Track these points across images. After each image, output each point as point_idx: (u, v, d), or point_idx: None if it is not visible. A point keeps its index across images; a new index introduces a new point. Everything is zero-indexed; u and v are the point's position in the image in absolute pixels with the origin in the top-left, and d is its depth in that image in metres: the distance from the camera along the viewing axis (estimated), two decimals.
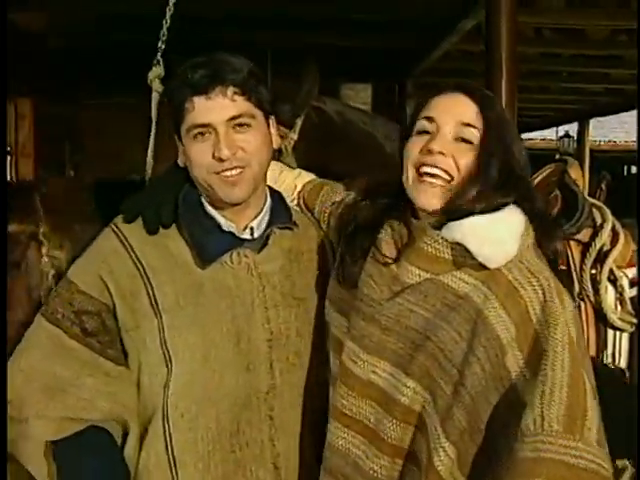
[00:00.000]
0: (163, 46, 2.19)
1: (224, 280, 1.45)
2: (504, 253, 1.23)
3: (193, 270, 1.45)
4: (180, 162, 1.50)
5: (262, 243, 1.50)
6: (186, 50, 2.44)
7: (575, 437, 1.07)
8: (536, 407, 1.10)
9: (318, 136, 2.13)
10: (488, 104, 1.32)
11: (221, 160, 1.39)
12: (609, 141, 13.84)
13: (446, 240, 1.26)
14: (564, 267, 1.67)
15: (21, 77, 4.48)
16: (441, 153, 1.27)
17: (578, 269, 1.69)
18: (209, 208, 1.48)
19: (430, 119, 1.31)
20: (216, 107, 1.39)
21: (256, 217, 1.50)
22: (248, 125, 1.42)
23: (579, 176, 1.79)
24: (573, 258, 1.70)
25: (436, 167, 1.27)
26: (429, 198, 1.29)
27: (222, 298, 1.44)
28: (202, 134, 1.40)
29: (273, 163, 1.60)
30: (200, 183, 1.45)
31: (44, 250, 1.62)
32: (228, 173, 1.41)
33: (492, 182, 1.26)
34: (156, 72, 2.29)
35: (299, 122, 2.13)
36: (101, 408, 1.41)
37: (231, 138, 1.40)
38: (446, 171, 1.28)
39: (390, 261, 1.32)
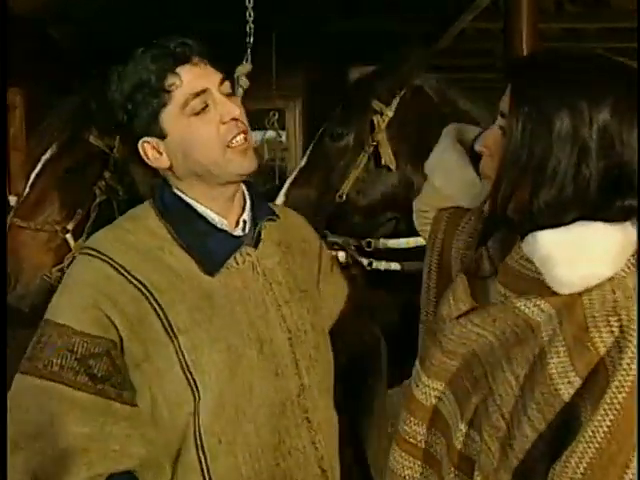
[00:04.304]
0: (251, 40, 2.17)
1: (232, 283, 1.36)
2: (581, 278, 0.98)
3: (199, 280, 1.33)
4: (163, 164, 1.34)
5: (255, 238, 1.43)
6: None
7: None
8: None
9: (413, 114, 2.22)
10: (533, 83, 1.02)
11: (233, 120, 1.31)
12: None
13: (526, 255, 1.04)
14: None
15: (11, 64, 4.27)
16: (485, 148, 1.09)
17: None
18: (198, 206, 1.34)
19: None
20: (204, 72, 1.32)
21: (244, 210, 1.43)
22: (231, 93, 1.36)
23: None
24: None
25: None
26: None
27: (235, 303, 1.35)
28: (202, 107, 1.27)
29: None
30: (207, 168, 1.31)
31: None
32: (239, 139, 1.33)
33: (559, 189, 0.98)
34: (245, 68, 2.25)
35: (396, 100, 2.25)
36: (136, 454, 1.23)
37: (229, 99, 1.33)
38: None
39: (486, 275, 1.12)
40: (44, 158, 2.43)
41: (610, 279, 0.97)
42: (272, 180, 4.99)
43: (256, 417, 1.32)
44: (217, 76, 1.34)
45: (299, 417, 1.38)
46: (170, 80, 1.28)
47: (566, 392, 0.96)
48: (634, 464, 0.89)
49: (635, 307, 0.95)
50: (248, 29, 2.29)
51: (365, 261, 2.36)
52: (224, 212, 1.40)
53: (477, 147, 1.11)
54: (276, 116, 4.74)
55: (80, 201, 2.38)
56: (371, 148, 2.25)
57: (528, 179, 1.00)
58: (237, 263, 1.37)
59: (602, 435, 0.89)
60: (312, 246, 1.59)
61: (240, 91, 2.25)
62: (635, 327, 0.93)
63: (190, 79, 1.30)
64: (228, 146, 1.32)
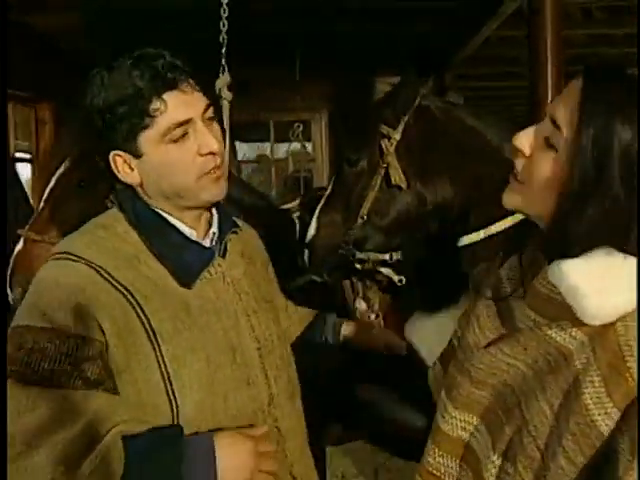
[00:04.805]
0: (224, 50, 2.21)
1: (206, 294, 1.35)
2: (613, 307, 0.93)
3: (175, 290, 1.31)
4: (132, 181, 1.31)
5: (222, 250, 1.43)
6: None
7: None
8: None
9: (419, 135, 2.30)
10: (599, 92, 0.96)
11: (212, 154, 1.30)
12: None
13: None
14: None
15: (41, 80, 4.34)
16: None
17: None
18: (170, 218, 1.33)
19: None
20: (191, 99, 1.28)
21: (211, 222, 1.43)
22: (213, 118, 1.34)
23: None
24: None
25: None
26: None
27: (209, 314, 1.34)
28: (181, 135, 1.24)
29: None
30: (177, 193, 1.30)
31: None
32: (217, 170, 1.32)
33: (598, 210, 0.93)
34: (224, 80, 2.28)
35: (402, 123, 2.33)
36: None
37: (209, 130, 1.30)
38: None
39: (507, 295, 1.09)
40: (58, 173, 2.44)
41: None
42: (297, 191, 4.99)
43: (229, 427, 1.29)
44: (202, 103, 1.30)
45: (270, 426, 1.37)
46: (155, 105, 1.24)
47: (603, 423, 0.90)
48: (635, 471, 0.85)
49: (635, 314, 0.92)
50: (221, 39, 2.30)
51: (396, 278, 2.47)
52: (193, 224, 1.39)
53: (519, 143, 1.05)
54: (300, 128, 4.75)
55: (92, 214, 2.40)
56: (383, 170, 2.37)
57: (590, 197, 0.94)
58: (210, 274, 1.37)
59: None
60: (265, 257, 1.63)
61: (225, 103, 2.24)
62: None
63: (175, 106, 1.25)
64: (207, 173, 1.31)
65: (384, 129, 2.39)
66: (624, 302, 0.93)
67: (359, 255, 2.46)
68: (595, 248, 0.94)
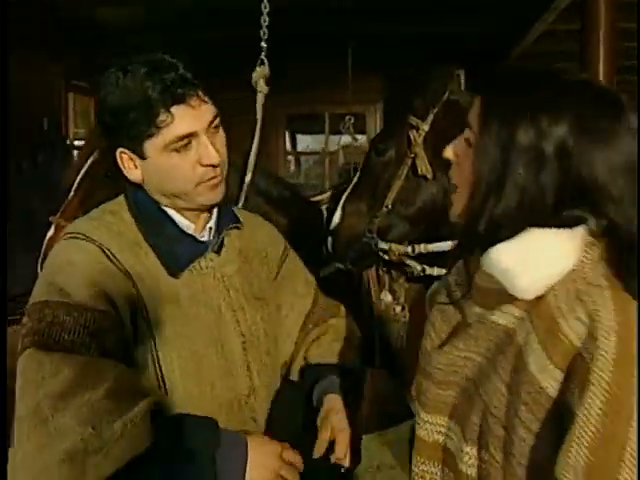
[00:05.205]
0: (265, 45, 2.24)
1: (194, 287, 1.39)
2: (541, 280, 0.99)
3: (167, 280, 1.36)
4: (135, 178, 1.38)
5: (218, 245, 1.46)
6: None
7: None
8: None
9: (447, 127, 2.23)
10: (498, 95, 1.06)
11: (211, 166, 1.34)
12: None
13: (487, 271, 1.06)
14: None
15: (93, 73, 4.44)
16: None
17: None
18: (169, 211, 1.39)
19: None
20: (197, 114, 1.32)
21: (211, 217, 1.46)
22: (218, 126, 1.38)
23: None
24: None
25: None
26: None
27: (197, 306, 1.38)
28: (184, 145, 1.31)
29: None
30: (175, 194, 1.36)
31: None
32: (215, 178, 1.36)
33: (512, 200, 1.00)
34: (261, 72, 2.32)
35: (431, 115, 2.38)
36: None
37: (212, 142, 1.34)
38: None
39: (458, 299, 1.15)
40: (88, 163, 2.53)
41: (569, 272, 0.98)
42: (349, 184, 5.00)
43: (215, 414, 1.33)
44: (209, 115, 1.34)
45: (247, 416, 1.41)
46: (162, 117, 1.28)
47: (549, 386, 0.95)
48: (633, 441, 0.87)
49: (635, 312, 0.93)
50: (262, 34, 2.34)
51: (419, 267, 2.47)
52: (193, 218, 1.43)
53: (447, 154, 1.14)
54: (352, 120, 4.75)
55: None
56: (410, 160, 2.39)
57: (493, 191, 1.02)
58: (200, 268, 1.41)
59: (596, 417, 0.88)
60: (272, 255, 1.60)
61: (260, 96, 2.26)
62: (605, 310, 0.93)
63: (181, 120, 1.30)
64: (205, 182, 1.36)
65: (413, 120, 2.41)
66: (551, 274, 0.98)
67: (381, 245, 2.47)
68: (518, 232, 1.01)
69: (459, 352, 1.09)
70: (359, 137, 5.40)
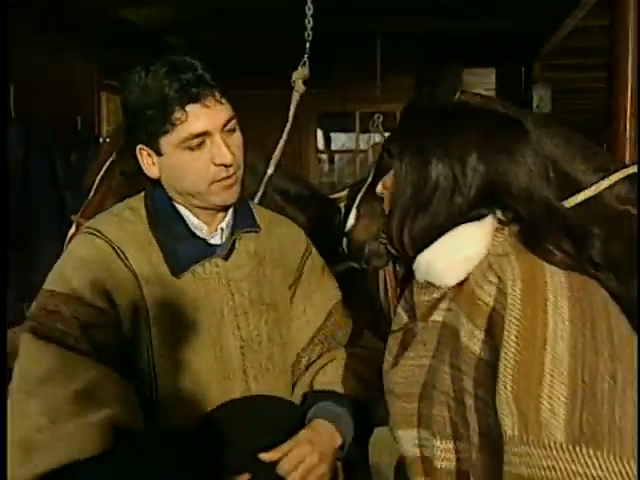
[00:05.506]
0: (309, 45, 2.28)
1: (197, 290, 1.41)
2: (459, 264, 1.12)
3: (170, 280, 1.40)
4: (152, 174, 1.41)
5: (229, 248, 1.47)
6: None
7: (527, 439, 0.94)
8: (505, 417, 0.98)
9: None
10: (410, 132, 1.23)
11: (224, 166, 1.36)
12: None
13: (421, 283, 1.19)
14: None
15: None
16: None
17: None
18: (182, 210, 1.42)
19: None
20: (211, 113, 1.35)
21: (225, 218, 1.48)
22: (234, 129, 1.40)
23: None
24: None
25: None
26: None
27: (197, 309, 1.41)
28: (198, 144, 1.35)
29: None
30: (189, 193, 1.39)
31: None
32: (229, 179, 1.39)
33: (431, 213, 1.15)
34: (301, 73, 2.36)
35: None
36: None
37: (226, 142, 1.37)
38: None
39: (404, 325, 1.26)
40: (107, 163, 2.58)
41: (485, 257, 1.10)
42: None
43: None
44: (224, 115, 1.36)
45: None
46: (177, 115, 1.32)
47: (478, 349, 1.04)
48: (550, 367, 0.95)
49: (541, 268, 1.04)
50: (306, 36, 2.37)
51: None
52: (206, 217, 1.45)
53: (377, 190, 1.25)
54: (380, 119, 4.74)
55: None
56: None
57: (411, 210, 1.15)
58: (204, 272, 1.42)
59: (513, 351, 0.97)
60: (290, 257, 1.58)
61: (296, 95, 2.28)
62: (510, 268, 1.04)
63: (196, 118, 1.33)
64: (219, 181, 1.38)
65: None
66: (466, 257, 1.11)
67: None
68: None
69: (413, 361, 1.17)
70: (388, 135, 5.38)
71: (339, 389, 1.47)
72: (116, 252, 1.37)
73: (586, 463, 0.89)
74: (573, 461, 0.90)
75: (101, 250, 1.37)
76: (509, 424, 0.95)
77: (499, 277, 1.04)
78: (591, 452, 0.89)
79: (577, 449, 0.90)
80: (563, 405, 0.92)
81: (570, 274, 1.04)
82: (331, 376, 1.50)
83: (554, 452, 0.91)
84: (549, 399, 0.93)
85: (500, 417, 0.96)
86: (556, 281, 1.02)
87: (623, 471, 0.88)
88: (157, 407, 1.34)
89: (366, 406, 1.48)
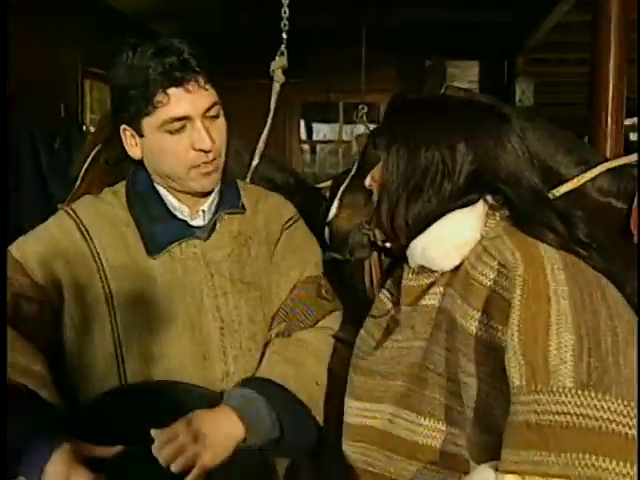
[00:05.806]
0: (285, 36, 2.28)
1: (174, 271, 1.42)
2: (453, 250, 1.15)
3: (145, 261, 1.41)
4: (135, 155, 1.42)
5: (210, 228, 1.47)
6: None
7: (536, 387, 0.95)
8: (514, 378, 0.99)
9: None
10: (394, 123, 1.28)
11: (203, 152, 1.37)
12: None
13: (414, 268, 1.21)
14: None
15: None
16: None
17: None
18: (163, 191, 1.43)
19: None
20: (193, 98, 1.35)
21: (207, 200, 1.47)
22: (217, 115, 1.41)
23: None
24: None
25: None
26: None
27: (173, 290, 1.41)
28: (178, 128, 1.34)
29: None
30: (168, 176, 1.39)
31: None
32: (208, 165, 1.39)
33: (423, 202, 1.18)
34: (279, 63, 2.37)
35: None
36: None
37: (207, 128, 1.37)
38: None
39: (385, 312, 1.28)
40: (92, 153, 2.58)
41: (478, 241, 1.14)
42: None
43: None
44: (206, 101, 1.37)
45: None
46: (158, 97, 1.33)
47: (473, 328, 1.06)
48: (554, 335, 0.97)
49: (534, 245, 1.08)
50: (283, 26, 2.37)
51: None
52: (186, 200, 1.45)
53: (366, 183, 1.29)
54: (364, 110, 4.75)
55: None
56: None
57: (403, 198, 1.19)
58: (181, 253, 1.43)
59: (518, 304, 1.00)
60: (272, 230, 1.55)
61: (276, 86, 2.29)
62: (507, 250, 1.07)
63: (177, 102, 1.33)
64: (197, 167, 1.39)
65: None
66: (460, 242, 1.14)
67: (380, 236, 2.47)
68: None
69: (399, 344, 1.20)
70: (372, 127, 5.40)
71: (279, 379, 1.38)
72: (81, 232, 1.41)
73: (595, 406, 0.91)
74: (582, 405, 0.92)
75: (64, 229, 1.43)
76: (517, 375, 0.97)
77: (499, 261, 1.06)
78: (600, 395, 0.92)
79: (586, 393, 0.92)
80: (570, 352, 0.95)
81: (562, 252, 1.08)
82: (268, 365, 1.43)
83: (563, 397, 0.93)
84: (557, 346, 0.95)
85: (508, 370, 0.98)
86: (550, 256, 1.06)
87: (632, 413, 0.91)
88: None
89: (306, 406, 1.38)
